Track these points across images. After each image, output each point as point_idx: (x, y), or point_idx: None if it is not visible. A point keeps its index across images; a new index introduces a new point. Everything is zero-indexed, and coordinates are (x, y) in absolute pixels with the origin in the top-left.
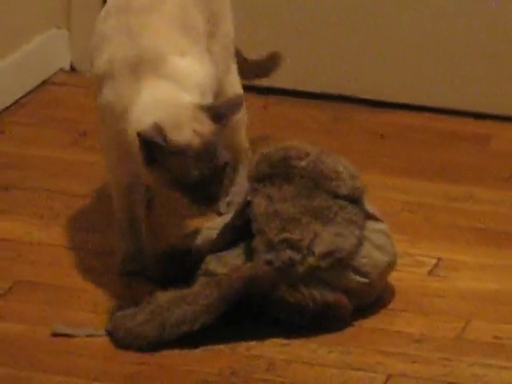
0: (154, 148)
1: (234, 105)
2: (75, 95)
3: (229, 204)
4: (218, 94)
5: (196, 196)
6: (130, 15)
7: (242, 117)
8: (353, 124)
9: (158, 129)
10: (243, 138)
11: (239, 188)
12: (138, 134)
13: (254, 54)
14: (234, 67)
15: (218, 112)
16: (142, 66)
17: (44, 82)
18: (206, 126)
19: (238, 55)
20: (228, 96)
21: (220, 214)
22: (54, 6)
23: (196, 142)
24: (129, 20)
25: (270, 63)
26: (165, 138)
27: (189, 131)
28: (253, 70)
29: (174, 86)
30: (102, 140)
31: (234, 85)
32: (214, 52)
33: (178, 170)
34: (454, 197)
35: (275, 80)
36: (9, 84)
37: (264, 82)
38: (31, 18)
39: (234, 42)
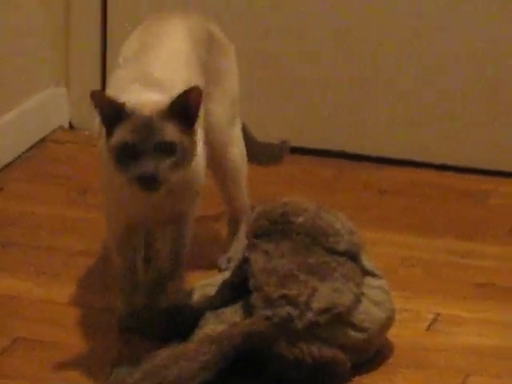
0: (110, 115)
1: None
2: (74, 153)
3: (229, 260)
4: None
5: (131, 171)
6: (140, 65)
7: (242, 174)
8: (354, 180)
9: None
10: (244, 195)
11: (240, 244)
12: (93, 94)
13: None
14: (237, 123)
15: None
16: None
17: (43, 140)
18: (161, 107)
19: (246, 133)
20: (230, 154)
21: (220, 270)
22: (52, 64)
23: (143, 111)
24: (140, 67)
25: (277, 151)
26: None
27: (140, 103)
28: (258, 154)
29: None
30: (103, 178)
31: (236, 143)
32: (213, 111)
33: (118, 134)
34: (454, 252)
35: (276, 138)
36: (8, 141)
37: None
38: (30, 76)
39: (238, 99)
